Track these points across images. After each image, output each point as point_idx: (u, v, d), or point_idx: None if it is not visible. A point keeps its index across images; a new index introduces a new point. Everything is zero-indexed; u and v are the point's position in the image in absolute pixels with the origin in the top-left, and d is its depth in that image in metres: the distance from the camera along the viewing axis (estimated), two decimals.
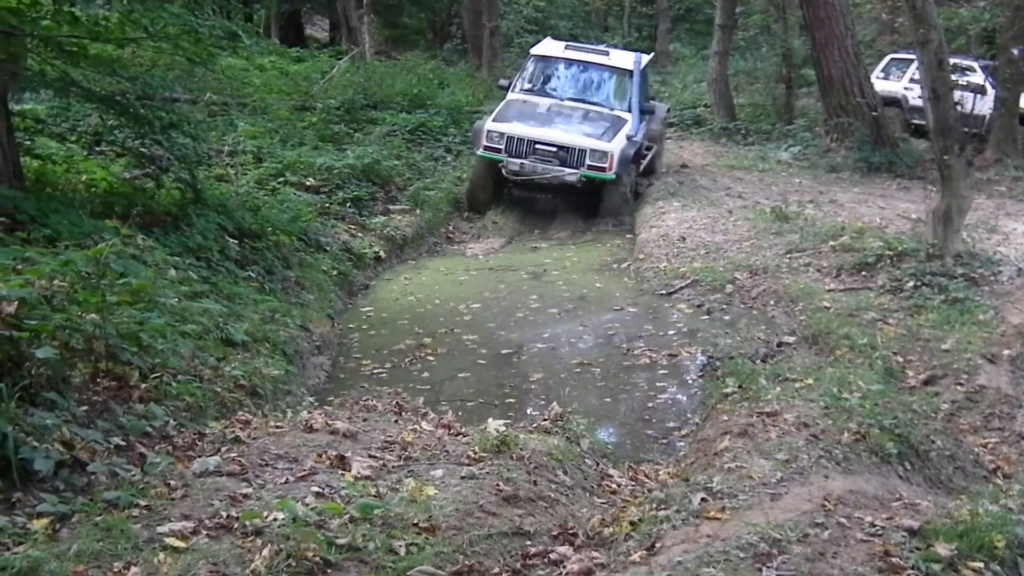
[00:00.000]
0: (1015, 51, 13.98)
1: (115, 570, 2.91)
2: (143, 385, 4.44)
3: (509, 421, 4.84)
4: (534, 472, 4.07)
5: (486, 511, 3.60)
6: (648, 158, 12.66)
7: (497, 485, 3.82)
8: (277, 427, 4.36)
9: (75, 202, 6.66)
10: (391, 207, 10.53)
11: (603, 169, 11.04)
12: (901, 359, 6.14)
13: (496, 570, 3.26)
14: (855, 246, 8.44)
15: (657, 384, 6.32)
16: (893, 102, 16.37)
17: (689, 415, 5.84)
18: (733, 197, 11.77)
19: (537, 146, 11.08)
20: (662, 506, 3.78)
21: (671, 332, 7.28)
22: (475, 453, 4.19)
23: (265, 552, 3.01)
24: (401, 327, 7.41)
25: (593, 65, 12.52)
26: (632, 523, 3.68)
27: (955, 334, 6.36)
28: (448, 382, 6.30)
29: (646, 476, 4.64)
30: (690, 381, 6.40)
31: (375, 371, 6.46)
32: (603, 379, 6.40)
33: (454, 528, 3.42)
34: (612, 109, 11.95)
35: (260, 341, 5.99)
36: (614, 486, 4.45)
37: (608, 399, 6.11)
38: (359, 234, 9.45)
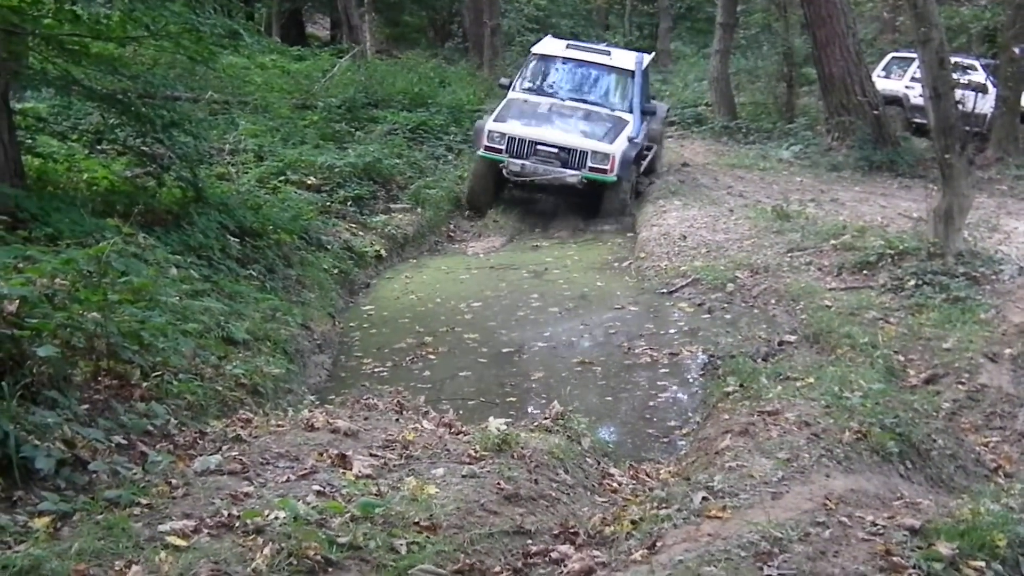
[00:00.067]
0: (1016, 50, 13.95)
1: (116, 569, 2.92)
2: (144, 383, 4.45)
3: (510, 420, 4.83)
4: (535, 471, 4.07)
5: (487, 510, 3.60)
6: (648, 158, 12.65)
7: (498, 484, 3.82)
8: (278, 426, 4.37)
9: (76, 200, 6.66)
10: (392, 206, 10.53)
11: (605, 171, 11.01)
12: (902, 358, 6.14)
13: (497, 569, 3.26)
14: (856, 245, 8.44)
15: (658, 383, 6.31)
16: (894, 101, 16.37)
17: (690, 414, 5.83)
18: (734, 196, 11.76)
19: (539, 147, 11.04)
20: (663, 505, 3.79)
21: (672, 331, 7.27)
22: (476, 452, 4.20)
23: (266, 551, 3.01)
24: (402, 326, 7.41)
25: (594, 65, 12.48)
26: (633, 522, 3.68)
27: (956, 333, 6.36)
28: (449, 381, 6.30)
29: (647, 475, 4.63)
30: (691, 380, 6.39)
31: (376, 370, 6.46)
32: (604, 378, 6.39)
33: (455, 527, 3.43)
34: (613, 109, 11.91)
35: (261, 340, 6.00)
36: (615, 485, 4.44)
37: (609, 398, 6.11)
38: (360, 233, 9.45)
